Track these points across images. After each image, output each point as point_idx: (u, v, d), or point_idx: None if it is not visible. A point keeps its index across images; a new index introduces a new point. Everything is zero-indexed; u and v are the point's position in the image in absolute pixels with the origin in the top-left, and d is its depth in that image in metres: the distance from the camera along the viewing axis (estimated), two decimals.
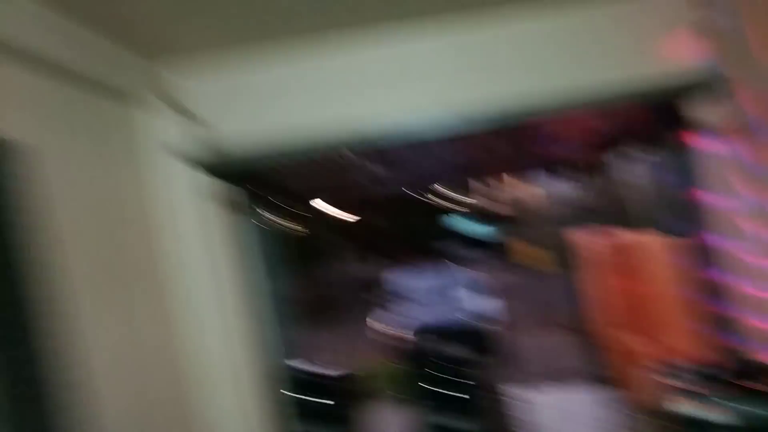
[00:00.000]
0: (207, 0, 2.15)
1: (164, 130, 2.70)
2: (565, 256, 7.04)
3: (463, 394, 2.28)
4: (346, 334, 7.23)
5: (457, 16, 2.60)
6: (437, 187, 7.40)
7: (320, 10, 2.36)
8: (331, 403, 2.47)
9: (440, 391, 2.34)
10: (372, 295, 9.22)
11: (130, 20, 2.21)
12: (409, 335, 7.16)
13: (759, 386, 2.00)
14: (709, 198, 2.63)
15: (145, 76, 2.65)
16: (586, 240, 6.08)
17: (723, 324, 2.66)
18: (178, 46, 2.56)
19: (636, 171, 5.43)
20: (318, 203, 7.72)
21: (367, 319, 7.93)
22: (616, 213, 5.49)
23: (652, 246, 4.70)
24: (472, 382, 2.28)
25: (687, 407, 2.00)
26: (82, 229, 2.13)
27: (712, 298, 2.72)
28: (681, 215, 2.85)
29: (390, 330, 7.64)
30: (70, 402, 1.88)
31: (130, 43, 2.42)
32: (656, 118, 2.78)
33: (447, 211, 26.05)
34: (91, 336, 2.04)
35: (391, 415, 6.39)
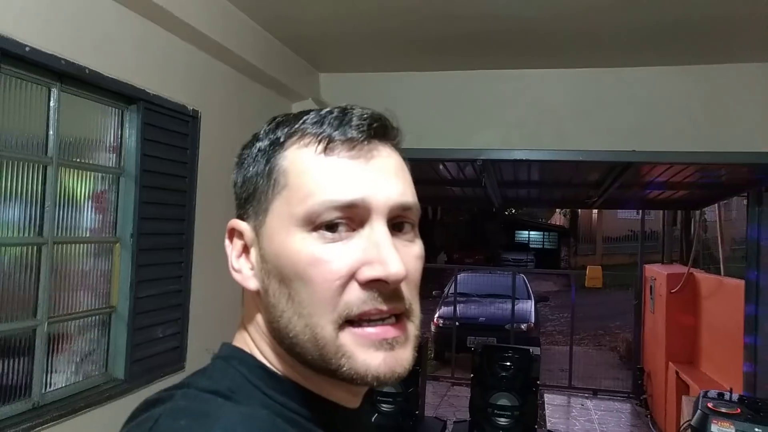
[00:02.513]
0: (370, 33, 2.56)
1: None
2: (632, 282, 7.09)
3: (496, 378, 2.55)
4: None
5: (587, 61, 2.83)
6: (522, 202, 7.52)
7: (452, 51, 2.70)
8: None
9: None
10: (439, 286, 9.57)
11: (308, 37, 2.67)
12: (449, 323, 7.45)
13: None
14: None
15: (305, 77, 3.09)
16: (656, 272, 6.11)
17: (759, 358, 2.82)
18: (336, 60, 3.05)
19: (723, 219, 5.42)
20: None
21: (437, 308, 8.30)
22: (690, 251, 5.52)
23: (716, 285, 4.76)
24: (504, 372, 2.53)
25: (719, 428, 2.24)
26: (218, 184, 2.49)
27: (753, 334, 2.88)
28: (752, 260, 2.98)
29: (440, 317, 7.97)
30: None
31: (300, 51, 2.90)
32: (759, 178, 2.91)
33: (524, 226, 25.62)
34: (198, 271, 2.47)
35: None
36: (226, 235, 0.56)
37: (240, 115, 2.65)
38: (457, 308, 7.63)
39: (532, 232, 24.66)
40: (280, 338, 0.52)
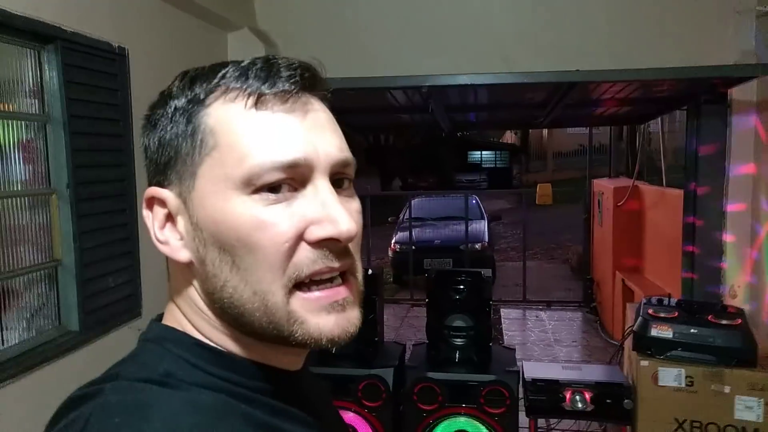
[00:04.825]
0: None
1: (245, 51, 2.95)
2: (581, 197, 7.36)
3: (452, 299, 2.64)
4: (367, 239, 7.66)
5: None
6: (471, 126, 7.54)
7: None
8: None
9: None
10: (394, 212, 9.71)
11: None
12: (405, 247, 7.66)
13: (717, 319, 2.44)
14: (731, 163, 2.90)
15: (238, 4, 2.90)
16: (603, 186, 6.35)
17: (697, 264, 3.03)
18: None
19: (665, 132, 5.60)
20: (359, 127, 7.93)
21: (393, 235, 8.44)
22: (635, 164, 5.73)
23: (659, 195, 5.01)
24: (458, 295, 2.63)
25: (659, 331, 2.43)
26: None
27: (691, 242, 3.07)
28: (690, 171, 3.10)
29: (397, 242, 8.17)
30: None
31: None
32: (698, 91, 2.98)
33: (476, 146, 25.97)
34: None
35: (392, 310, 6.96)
36: (144, 205, 0.52)
37: (171, 50, 2.49)
38: (413, 232, 7.77)
39: (484, 152, 24.95)
40: (223, 309, 0.50)
